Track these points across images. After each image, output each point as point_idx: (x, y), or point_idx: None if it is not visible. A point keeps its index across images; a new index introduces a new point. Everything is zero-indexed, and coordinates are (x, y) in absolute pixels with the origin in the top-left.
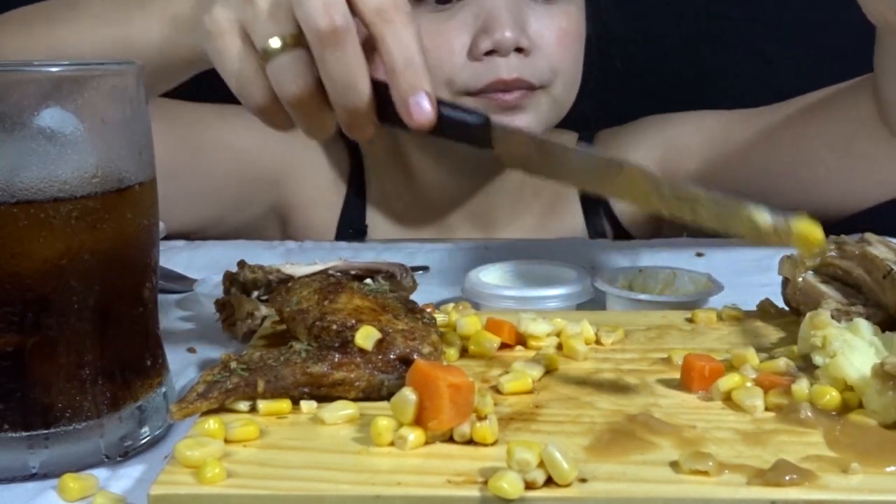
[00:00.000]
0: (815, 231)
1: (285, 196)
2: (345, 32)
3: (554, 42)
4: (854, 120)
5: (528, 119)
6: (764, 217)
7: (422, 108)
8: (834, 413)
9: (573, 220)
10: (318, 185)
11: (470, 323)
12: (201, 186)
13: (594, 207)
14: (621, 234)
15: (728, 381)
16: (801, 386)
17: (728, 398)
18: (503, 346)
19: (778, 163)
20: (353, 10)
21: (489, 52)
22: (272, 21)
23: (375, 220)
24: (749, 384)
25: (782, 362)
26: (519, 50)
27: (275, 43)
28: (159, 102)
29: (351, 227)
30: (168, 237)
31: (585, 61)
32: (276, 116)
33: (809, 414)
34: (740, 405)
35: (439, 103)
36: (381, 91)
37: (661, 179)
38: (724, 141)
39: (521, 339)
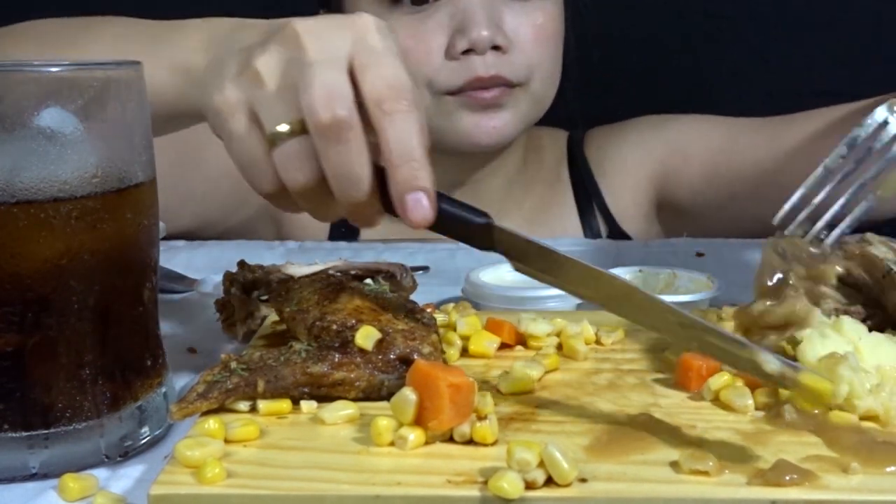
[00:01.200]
0: (823, 385)
1: None
2: (347, 127)
3: (531, 39)
4: None
5: (509, 116)
6: (770, 364)
7: (419, 207)
8: (816, 414)
9: (567, 218)
10: None
11: (470, 323)
12: (198, 187)
13: (589, 206)
14: (616, 232)
15: (717, 381)
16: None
17: (718, 398)
18: (503, 346)
19: (788, 174)
20: (357, 95)
21: (466, 51)
22: (280, 104)
23: None
24: (739, 383)
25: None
26: (496, 48)
27: (281, 128)
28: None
29: (343, 226)
30: (168, 237)
31: (574, 59)
32: (282, 200)
33: (795, 416)
34: (730, 405)
35: (441, 198)
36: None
37: (662, 303)
38: (729, 149)
39: (521, 339)
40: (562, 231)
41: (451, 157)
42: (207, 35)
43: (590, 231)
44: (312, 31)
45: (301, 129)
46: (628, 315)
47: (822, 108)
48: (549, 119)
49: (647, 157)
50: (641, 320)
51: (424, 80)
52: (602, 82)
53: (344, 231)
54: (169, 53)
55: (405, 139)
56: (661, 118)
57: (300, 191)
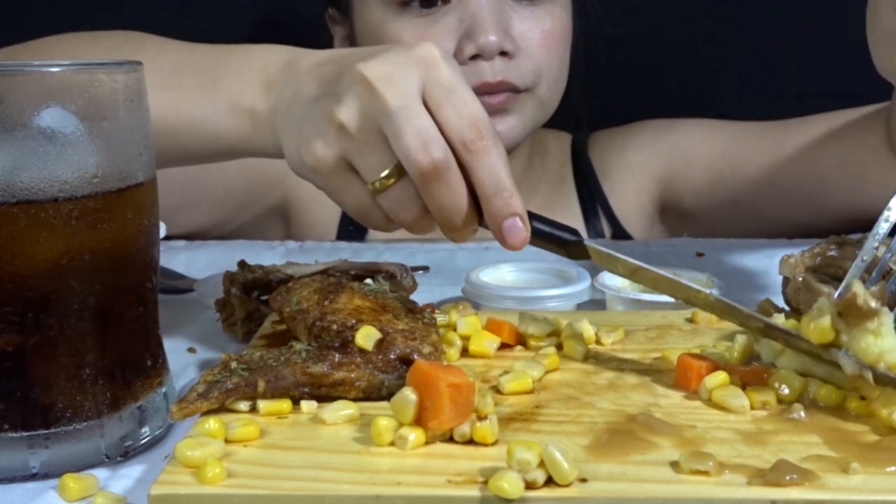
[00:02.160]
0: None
1: (288, 196)
2: (445, 167)
3: (538, 44)
4: (867, 148)
5: (514, 121)
6: (849, 367)
7: (515, 232)
8: (828, 413)
9: (571, 220)
10: None
11: (470, 323)
12: (215, 188)
13: (593, 207)
14: (620, 234)
15: (713, 380)
16: (777, 377)
17: (711, 398)
18: (503, 345)
19: (790, 178)
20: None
21: (474, 57)
22: (374, 155)
23: None
24: (734, 383)
25: (740, 343)
26: (503, 53)
27: (381, 178)
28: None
29: (351, 225)
30: (168, 237)
31: (580, 61)
32: (390, 228)
33: (802, 414)
34: (726, 406)
35: (533, 219)
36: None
37: (744, 310)
38: (733, 152)
39: (521, 339)
40: None
41: None
42: (261, 77)
43: (594, 232)
44: (381, 74)
45: (399, 173)
46: (714, 313)
47: (823, 112)
48: (554, 121)
49: (652, 160)
50: (727, 319)
51: None
52: (606, 83)
53: (352, 230)
54: (225, 95)
55: (494, 172)
56: (666, 122)
57: (408, 225)
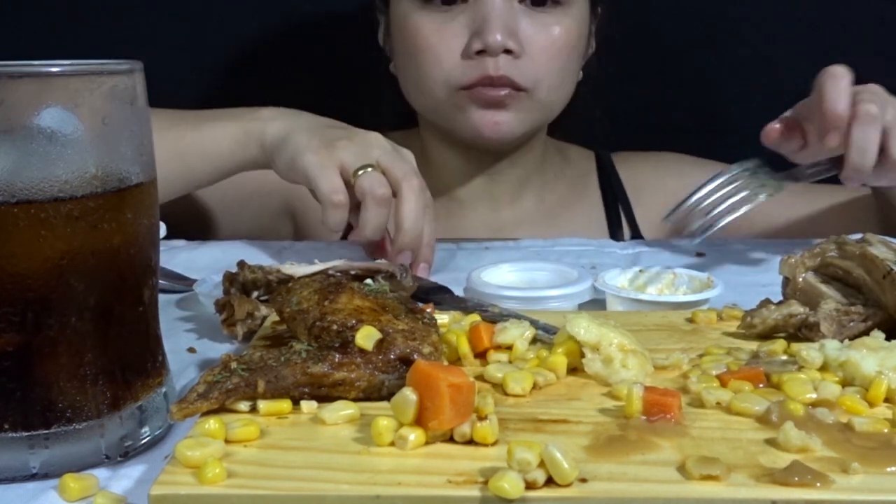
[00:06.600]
0: None
1: (289, 200)
2: (387, 201)
3: (542, 48)
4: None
5: (510, 116)
6: None
7: (405, 259)
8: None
9: (594, 223)
10: None
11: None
12: (208, 198)
13: (616, 215)
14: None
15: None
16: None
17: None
18: (500, 346)
19: (767, 229)
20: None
21: (479, 52)
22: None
23: None
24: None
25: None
26: (508, 52)
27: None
28: (166, 113)
29: None
30: (168, 237)
31: (593, 69)
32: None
33: (778, 417)
34: (741, 412)
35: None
36: None
37: None
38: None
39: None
40: (586, 229)
41: (470, 150)
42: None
43: (613, 236)
44: (351, 152)
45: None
46: None
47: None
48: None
49: (667, 185)
50: None
51: (442, 77)
52: (605, 85)
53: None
54: (230, 123)
55: (411, 209)
56: (680, 159)
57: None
